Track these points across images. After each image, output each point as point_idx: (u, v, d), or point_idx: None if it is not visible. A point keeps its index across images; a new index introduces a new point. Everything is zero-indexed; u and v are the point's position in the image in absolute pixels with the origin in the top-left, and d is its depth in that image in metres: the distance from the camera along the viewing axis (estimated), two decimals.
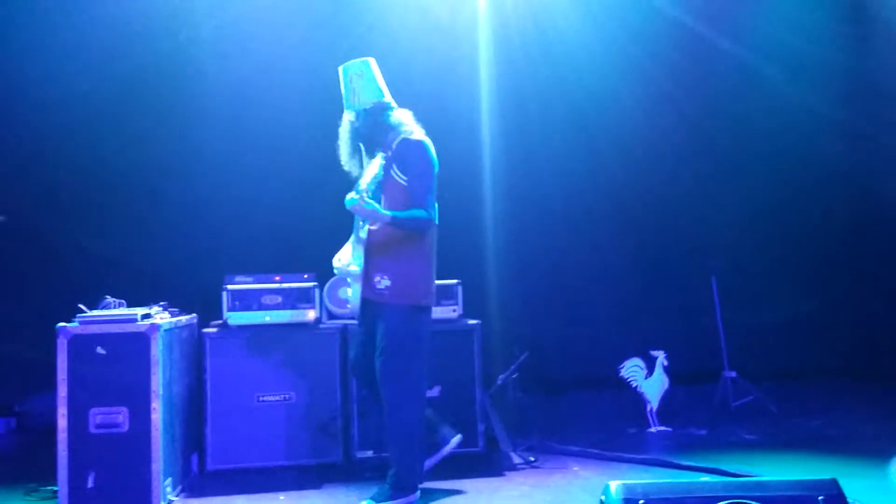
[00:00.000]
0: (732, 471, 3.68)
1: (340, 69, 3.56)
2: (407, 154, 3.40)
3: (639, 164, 6.15)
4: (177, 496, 3.55)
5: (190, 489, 3.72)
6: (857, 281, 6.58)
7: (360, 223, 3.41)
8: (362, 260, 3.37)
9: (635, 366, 4.85)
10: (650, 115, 6.13)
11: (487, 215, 5.87)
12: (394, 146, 3.43)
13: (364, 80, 3.49)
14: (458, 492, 3.60)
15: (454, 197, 5.63)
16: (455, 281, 4.34)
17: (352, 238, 3.51)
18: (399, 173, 3.39)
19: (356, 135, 3.53)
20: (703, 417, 4.90)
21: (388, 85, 3.59)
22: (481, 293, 5.40)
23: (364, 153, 3.55)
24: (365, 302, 3.40)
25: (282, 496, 3.54)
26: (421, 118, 3.60)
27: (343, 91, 3.56)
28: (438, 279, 4.30)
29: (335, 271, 3.57)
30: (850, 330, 6.46)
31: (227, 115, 5.42)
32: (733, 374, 5.21)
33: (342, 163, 3.56)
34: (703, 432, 4.69)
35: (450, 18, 5.76)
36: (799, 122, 6.38)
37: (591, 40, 5.99)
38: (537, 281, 5.99)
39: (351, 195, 3.23)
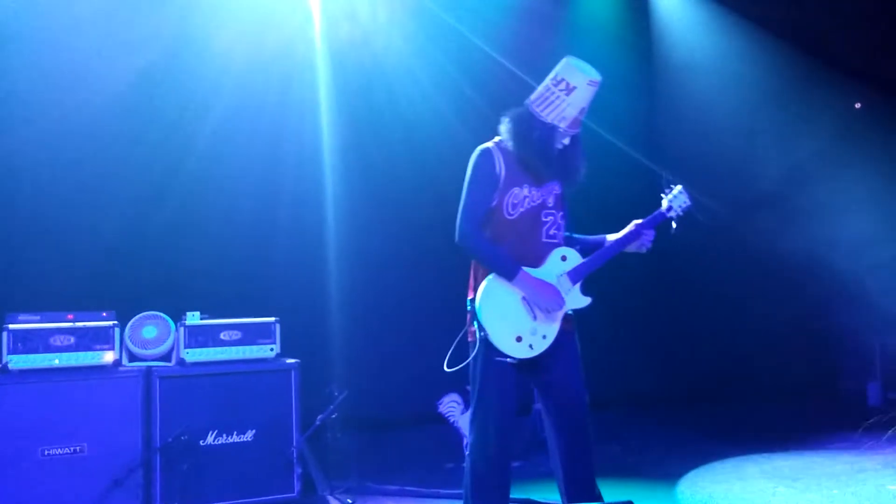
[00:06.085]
0: (541, 500, 3.84)
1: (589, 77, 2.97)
2: None
3: None
4: None
5: None
6: (666, 311, 7.22)
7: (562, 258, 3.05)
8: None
9: (453, 401, 4.93)
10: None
11: (309, 252, 5.76)
12: None
13: None
14: None
15: (279, 233, 5.44)
16: (273, 319, 4.23)
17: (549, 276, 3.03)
18: None
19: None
20: (516, 449, 5.07)
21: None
22: (301, 331, 5.26)
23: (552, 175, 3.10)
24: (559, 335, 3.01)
25: None
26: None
27: (585, 102, 3.03)
28: (256, 317, 4.18)
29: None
30: (662, 358, 7.07)
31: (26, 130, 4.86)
32: None
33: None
34: (517, 464, 4.85)
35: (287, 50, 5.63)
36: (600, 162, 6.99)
37: (422, 72, 6.19)
38: (357, 317, 5.94)
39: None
